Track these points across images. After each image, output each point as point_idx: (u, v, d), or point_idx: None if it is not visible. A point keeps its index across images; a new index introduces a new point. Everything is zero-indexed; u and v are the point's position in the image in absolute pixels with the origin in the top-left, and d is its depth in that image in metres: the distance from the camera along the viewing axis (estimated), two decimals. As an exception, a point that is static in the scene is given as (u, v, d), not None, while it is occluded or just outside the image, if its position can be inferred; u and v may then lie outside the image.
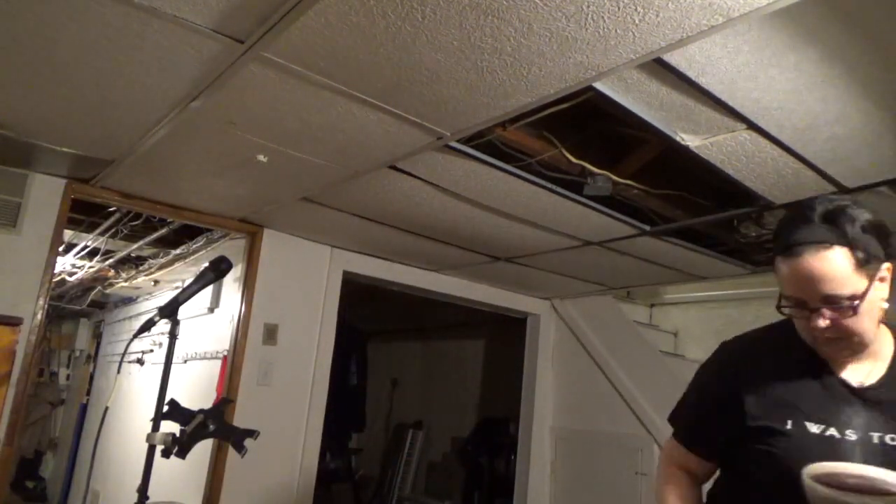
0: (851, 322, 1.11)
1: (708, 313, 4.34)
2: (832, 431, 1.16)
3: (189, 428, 1.68)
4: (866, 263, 1.11)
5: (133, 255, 4.13)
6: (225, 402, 1.90)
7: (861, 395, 1.18)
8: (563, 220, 2.66)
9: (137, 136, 2.19)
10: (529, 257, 3.32)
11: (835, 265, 1.10)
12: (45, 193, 2.68)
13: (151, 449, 1.62)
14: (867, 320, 1.13)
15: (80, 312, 6.88)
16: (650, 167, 2.19)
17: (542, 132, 2.04)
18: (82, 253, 4.10)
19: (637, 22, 1.32)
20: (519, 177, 2.25)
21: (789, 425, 1.18)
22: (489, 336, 5.52)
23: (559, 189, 2.33)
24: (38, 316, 2.63)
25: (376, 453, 6.21)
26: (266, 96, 1.77)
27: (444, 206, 2.61)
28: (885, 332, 1.23)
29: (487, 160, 2.14)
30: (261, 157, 2.23)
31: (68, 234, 3.68)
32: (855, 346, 1.17)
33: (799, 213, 1.16)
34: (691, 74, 1.53)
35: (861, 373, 1.20)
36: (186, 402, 1.74)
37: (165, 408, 1.69)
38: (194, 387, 3.68)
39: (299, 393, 3.29)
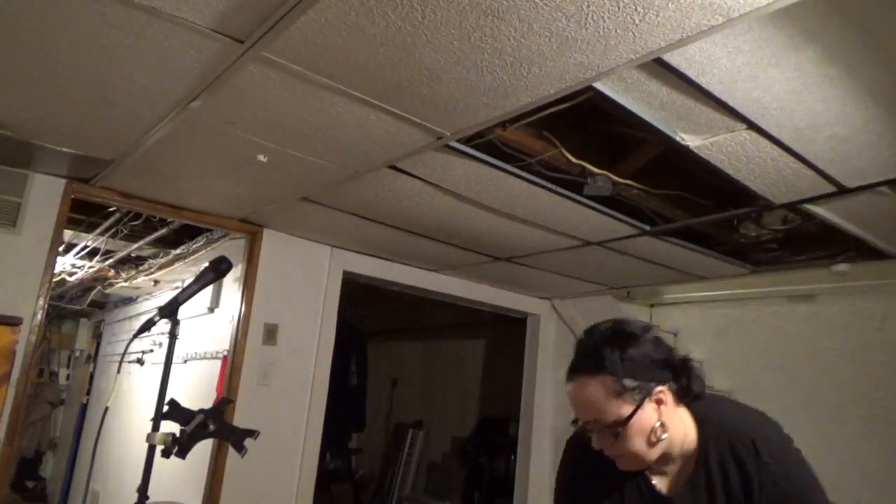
0: (620, 444, 1.18)
1: (708, 313, 4.34)
2: None
3: (189, 428, 1.68)
4: (629, 390, 1.18)
5: (133, 255, 4.13)
6: (225, 402, 1.90)
7: (669, 501, 1.25)
8: (563, 220, 2.66)
9: (137, 136, 2.19)
10: (529, 257, 3.32)
11: (590, 395, 1.19)
12: (45, 193, 2.69)
13: (151, 449, 1.62)
14: (638, 442, 1.18)
15: (80, 312, 6.89)
16: (650, 167, 2.19)
17: (542, 132, 2.04)
18: (82, 253, 4.10)
19: (637, 22, 1.32)
20: (519, 177, 2.25)
21: None
22: (489, 336, 5.52)
23: (559, 189, 2.33)
24: (38, 316, 2.63)
25: (376, 453, 6.21)
26: (266, 96, 1.77)
27: (444, 206, 2.61)
28: (690, 431, 1.25)
29: (487, 160, 2.14)
30: (261, 157, 2.23)
31: (68, 234, 3.68)
32: (637, 463, 1.22)
33: (583, 339, 1.26)
34: (691, 74, 1.53)
35: (670, 475, 1.27)
36: (186, 402, 1.74)
37: (165, 408, 1.68)
38: (194, 387, 3.68)
39: (299, 393, 3.29)
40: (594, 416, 1.19)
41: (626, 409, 1.17)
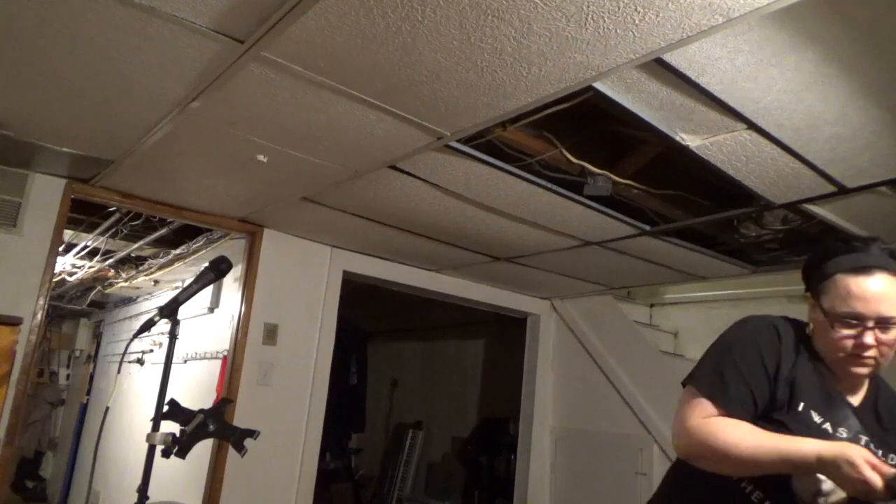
0: (891, 345, 1.23)
1: (708, 313, 4.34)
2: (828, 426, 1.26)
3: (189, 428, 1.68)
4: None
5: (133, 255, 4.13)
6: (225, 402, 1.90)
7: (853, 408, 1.31)
8: (563, 220, 2.66)
9: (137, 136, 2.19)
10: (529, 257, 3.32)
11: None
12: (45, 193, 2.69)
13: (151, 449, 1.62)
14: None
15: (80, 312, 6.88)
16: (650, 167, 2.19)
17: (542, 132, 2.04)
18: (82, 253, 4.10)
19: (637, 22, 1.32)
20: (519, 177, 2.25)
21: (800, 407, 1.27)
22: (489, 336, 5.51)
23: (559, 189, 2.33)
24: (38, 316, 2.63)
25: (376, 453, 6.21)
26: (266, 96, 1.77)
27: (444, 206, 2.61)
28: None
29: (487, 160, 2.14)
30: (261, 157, 2.23)
31: (68, 234, 3.68)
32: (876, 368, 1.28)
33: (856, 243, 1.28)
34: (691, 74, 1.53)
35: (850, 391, 1.33)
36: (186, 402, 1.74)
37: (166, 408, 1.68)
38: (194, 387, 3.68)
39: (299, 393, 3.29)
40: (891, 310, 1.21)
41: None
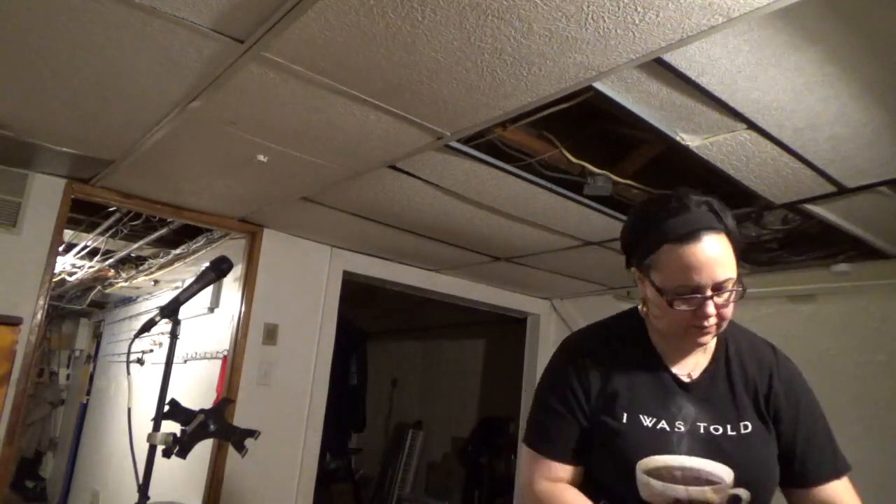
0: (728, 306, 1.15)
1: (708, 313, 4.33)
2: (663, 424, 1.19)
3: (190, 428, 1.68)
4: (738, 250, 1.17)
5: (133, 255, 4.13)
6: (225, 402, 1.90)
7: (688, 388, 1.22)
8: (563, 220, 2.66)
9: (137, 136, 2.19)
10: (529, 257, 3.32)
11: (728, 251, 1.14)
12: (45, 193, 2.69)
13: (152, 449, 1.62)
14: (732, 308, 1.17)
15: (80, 312, 6.89)
16: (650, 167, 2.19)
17: (542, 132, 2.04)
18: (82, 253, 4.10)
19: (637, 22, 1.32)
20: (519, 177, 2.25)
21: (625, 419, 1.20)
22: (489, 336, 5.52)
23: (559, 189, 2.33)
24: (38, 316, 2.63)
25: (376, 453, 6.21)
26: (266, 96, 1.77)
27: (444, 206, 2.61)
28: None
29: (487, 160, 2.14)
30: (261, 157, 2.23)
31: (68, 234, 3.68)
32: (717, 334, 1.20)
33: (675, 203, 1.17)
34: (691, 74, 1.53)
35: (688, 366, 1.24)
36: (186, 402, 1.74)
37: (166, 408, 1.69)
38: (194, 387, 3.68)
39: (299, 393, 3.29)
40: (726, 273, 1.12)
41: (736, 271, 1.15)
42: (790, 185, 2.09)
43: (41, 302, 2.63)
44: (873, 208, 2.23)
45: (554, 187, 2.32)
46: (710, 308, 1.12)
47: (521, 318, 4.47)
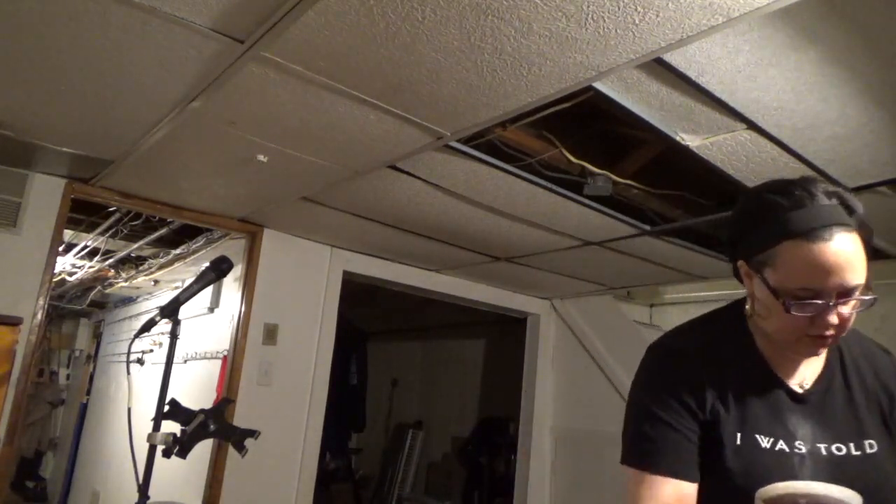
0: (850, 317, 0.99)
1: (708, 313, 4.33)
2: (781, 444, 1.04)
3: (190, 428, 1.69)
4: (868, 250, 1.00)
5: (133, 255, 4.13)
6: (225, 402, 1.90)
7: (803, 401, 1.07)
8: (563, 220, 2.66)
9: (137, 136, 2.19)
10: (529, 257, 3.32)
11: (861, 253, 0.97)
12: (45, 193, 2.69)
13: (152, 449, 1.62)
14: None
15: (80, 312, 6.89)
16: (650, 167, 2.19)
17: (542, 132, 2.04)
18: (82, 253, 4.10)
19: (637, 22, 1.32)
20: (519, 177, 2.25)
21: (739, 440, 1.05)
22: (489, 336, 5.52)
23: (559, 189, 2.33)
24: (38, 316, 2.63)
25: (376, 453, 6.21)
26: (266, 96, 1.77)
27: (444, 206, 2.61)
28: None
29: (487, 160, 2.14)
30: (261, 157, 2.23)
31: (68, 234, 3.68)
32: (833, 343, 1.04)
33: (800, 191, 0.99)
34: (691, 74, 1.53)
35: (801, 375, 1.09)
36: (186, 403, 1.74)
37: (166, 408, 1.69)
38: (194, 387, 3.68)
39: (299, 393, 3.29)
40: (858, 278, 0.96)
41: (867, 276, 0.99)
42: (790, 185, 2.09)
43: (41, 302, 2.63)
44: (873, 208, 2.23)
45: (554, 187, 2.32)
46: (833, 317, 0.97)
47: (521, 318, 4.47)
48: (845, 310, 0.98)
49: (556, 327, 4.41)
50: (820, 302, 0.96)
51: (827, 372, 1.09)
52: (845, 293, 0.97)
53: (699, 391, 1.07)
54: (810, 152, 1.87)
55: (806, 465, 1.03)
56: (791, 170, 1.98)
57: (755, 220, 1.02)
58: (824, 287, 0.96)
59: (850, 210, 0.99)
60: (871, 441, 1.05)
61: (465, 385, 5.63)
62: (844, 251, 0.95)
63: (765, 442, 1.04)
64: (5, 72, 1.81)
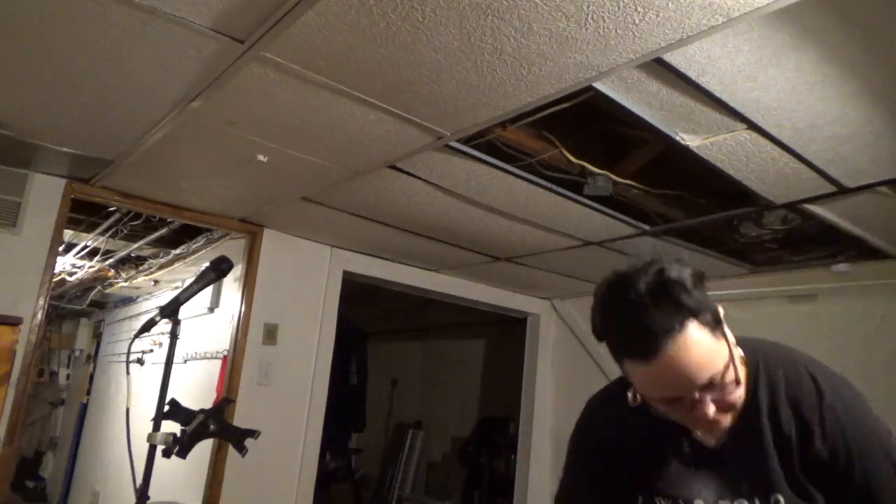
0: (732, 397, 0.98)
1: (708, 313, 4.33)
2: None
3: (190, 428, 1.68)
4: (716, 323, 0.96)
5: (133, 255, 4.13)
6: (225, 402, 1.90)
7: (710, 456, 1.06)
8: (563, 220, 2.66)
9: (137, 136, 2.19)
10: (529, 257, 3.32)
11: (702, 344, 0.93)
12: (45, 193, 2.68)
13: (152, 449, 1.62)
14: (739, 388, 0.99)
15: (80, 312, 6.88)
16: (650, 167, 2.19)
17: (542, 132, 2.04)
18: (82, 253, 4.10)
19: (637, 22, 1.32)
20: (519, 177, 2.24)
21: (640, 501, 1.07)
22: (489, 336, 5.52)
23: (559, 189, 2.33)
24: (38, 316, 2.63)
25: (376, 453, 6.21)
26: (266, 96, 1.77)
27: (444, 206, 2.61)
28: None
29: (487, 160, 2.14)
30: (261, 157, 2.23)
31: (68, 234, 3.68)
32: (727, 420, 1.02)
33: (621, 299, 0.97)
34: (691, 74, 1.53)
35: (711, 432, 1.06)
36: (186, 403, 1.74)
37: (166, 407, 1.68)
38: (194, 387, 3.68)
39: (299, 393, 3.29)
40: (709, 373, 0.93)
41: (724, 347, 0.95)
42: (790, 184, 2.09)
43: (41, 302, 2.63)
44: (873, 208, 2.23)
45: (554, 187, 2.32)
46: (706, 410, 0.96)
47: (521, 318, 4.47)
48: (715, 396, 0.96)
49: (556, 327, 4.41)
50: (685, 400, 0.96)
51: (741, 421, 1.03)
52: (705, 387, 0.95)
53: (610, 446, 1.13)
54: (810, 152, 1.87)
55: None
56: (791, 170, 1.99)
57: (602, 334, 1.02)
58: (677, 393, 0.95)
59: (676, 302, 0.92)
60: (778, 496, 1.01)
61: (465, 385, 5.63)
62: (678, 361, 0.91)
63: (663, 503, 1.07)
64: (5, 72, 1.81)
